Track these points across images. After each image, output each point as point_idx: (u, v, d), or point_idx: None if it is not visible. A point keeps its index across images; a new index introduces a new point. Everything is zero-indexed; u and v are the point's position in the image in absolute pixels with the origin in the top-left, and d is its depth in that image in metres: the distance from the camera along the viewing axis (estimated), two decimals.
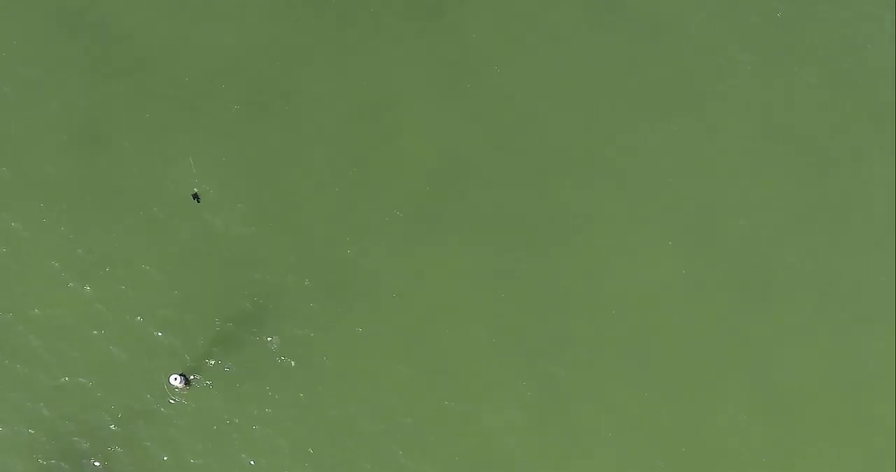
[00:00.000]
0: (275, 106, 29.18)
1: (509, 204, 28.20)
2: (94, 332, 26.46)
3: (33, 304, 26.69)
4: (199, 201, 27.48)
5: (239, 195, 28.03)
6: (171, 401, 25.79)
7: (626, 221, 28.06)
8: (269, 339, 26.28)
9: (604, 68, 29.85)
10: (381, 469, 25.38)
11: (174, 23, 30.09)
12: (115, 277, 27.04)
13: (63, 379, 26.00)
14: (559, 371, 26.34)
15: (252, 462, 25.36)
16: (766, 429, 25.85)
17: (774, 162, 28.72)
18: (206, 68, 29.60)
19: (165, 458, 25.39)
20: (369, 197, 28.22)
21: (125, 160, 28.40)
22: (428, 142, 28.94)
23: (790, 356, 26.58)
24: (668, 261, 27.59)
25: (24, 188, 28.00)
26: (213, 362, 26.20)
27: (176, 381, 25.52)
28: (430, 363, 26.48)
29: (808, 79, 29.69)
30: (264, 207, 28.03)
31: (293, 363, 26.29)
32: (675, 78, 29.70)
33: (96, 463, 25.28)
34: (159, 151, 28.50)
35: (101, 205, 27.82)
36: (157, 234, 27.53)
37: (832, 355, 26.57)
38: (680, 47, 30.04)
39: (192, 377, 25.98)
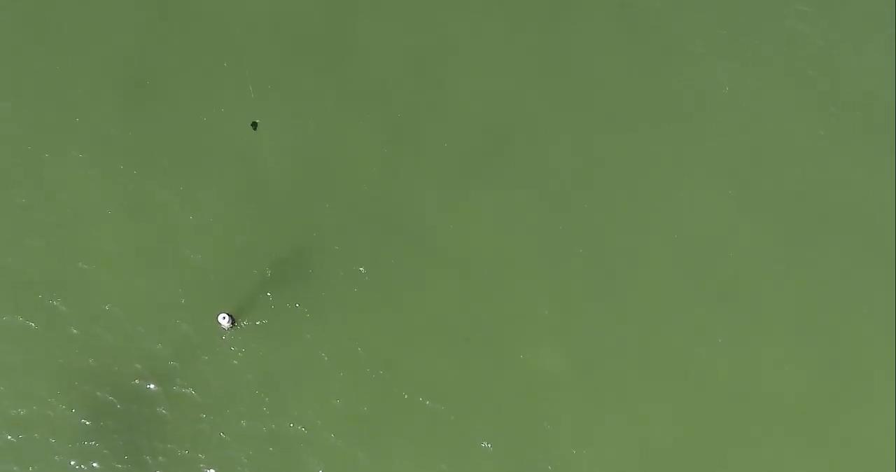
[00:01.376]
0: (323, 56, 29.21)
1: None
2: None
3: (92, 239, 26.83)
4: (255, 129, 27.50)
5: (287, 144, 28.05)
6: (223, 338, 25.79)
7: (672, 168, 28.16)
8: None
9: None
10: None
11: None
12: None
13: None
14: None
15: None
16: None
17: None
18: (253, 17, 29.65)
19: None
20: (418, 146, 28.18)
21: (173, 105, 28.52)
22: (477, 94, 28.95)
23: None
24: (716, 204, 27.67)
25: (74, 131, 28.07)
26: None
27: (224, 320, 25.47)
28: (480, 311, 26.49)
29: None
30: (312, 156, 28.01)
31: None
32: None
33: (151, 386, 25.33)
34: (205, 97, 28.64)
35: (150, 147, 27.94)
36: (206, 178, 27.61)
37: None
38: None
39: (238, 319, 25.92)
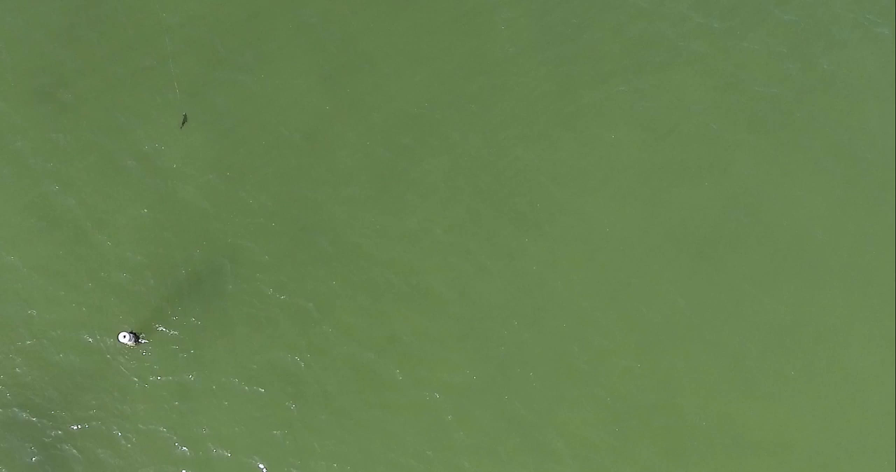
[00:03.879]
0: (245, 67, 28.99)
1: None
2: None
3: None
4: (184, 123, 27.55)
5: (205, 157, 27.89)
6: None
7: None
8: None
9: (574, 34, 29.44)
10: None
11: None
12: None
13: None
14: None
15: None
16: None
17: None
18: (175, 31, 29.41)
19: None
20: (336, 157, 27.92)
21: (90, 116, 28.36)
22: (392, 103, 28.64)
23: None
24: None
25: None
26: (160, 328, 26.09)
27: (125, 338, 25.37)
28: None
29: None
30: (229, 168, 27.82)
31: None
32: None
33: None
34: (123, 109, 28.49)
35: (70, 159, 27.89)
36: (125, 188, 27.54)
37: None
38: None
39: (141, 335, 25.81)
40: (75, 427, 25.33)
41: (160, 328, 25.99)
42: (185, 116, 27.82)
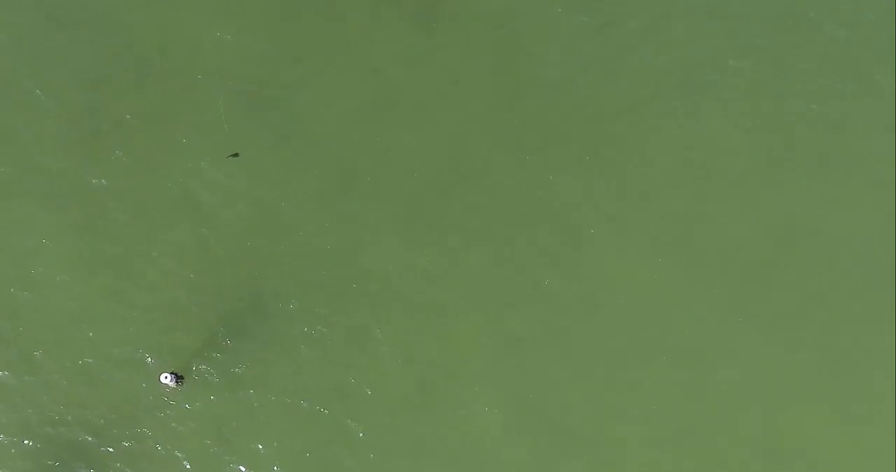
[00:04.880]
0: (272, 104, 29.32)
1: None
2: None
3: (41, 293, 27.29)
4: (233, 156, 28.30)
5: (238, 193, 28.23)
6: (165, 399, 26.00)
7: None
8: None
9: (607, 69, 29.52)
10: None
11: (172, 19, 30.57)
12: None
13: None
14: None
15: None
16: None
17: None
18: (205, 66, 29.81)
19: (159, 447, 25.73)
20: (368, 197, 28.15)
21: (126, 157, 28.81)
22: (425, 142, 28.85)
23: None
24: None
25: (25, 185, 28.53)
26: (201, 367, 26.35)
27: (167, 379, 25.65)
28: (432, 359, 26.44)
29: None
30: (263, 208, 28.11)
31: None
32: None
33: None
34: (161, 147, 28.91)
35: (104, 201, 28.29)
36: (159, 231, 27.88)
37: None
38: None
39: (182, 378, 26.10)
40: (127, 444, 25.60)
41: (216, 355, 26.36)
42: (237, 154, 28.42)
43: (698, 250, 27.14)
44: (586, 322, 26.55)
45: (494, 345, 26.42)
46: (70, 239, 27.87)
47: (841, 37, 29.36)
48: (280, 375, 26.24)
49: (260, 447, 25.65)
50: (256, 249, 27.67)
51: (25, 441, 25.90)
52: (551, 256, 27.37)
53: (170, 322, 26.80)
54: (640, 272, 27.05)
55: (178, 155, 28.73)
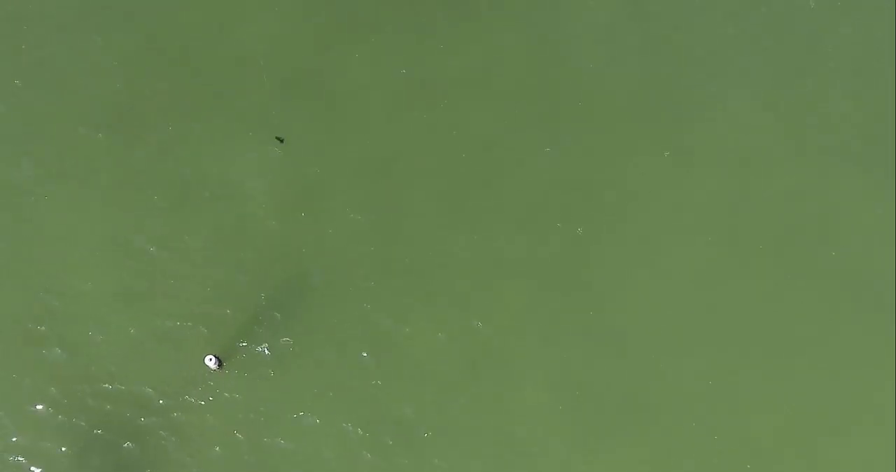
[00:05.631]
0: (310, 94, 29.29)
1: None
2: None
3: (74, 284, 26.93)
4: (282, 141, 28.20)
5: (275, 182, 28.11)
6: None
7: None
8: (284, 339, 26.13)
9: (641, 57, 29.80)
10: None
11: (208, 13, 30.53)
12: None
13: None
14: None
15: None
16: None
17: None
18: (245, 49, 29.79)
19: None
20: (407, 185, 28.17)
21: (162, 145, 28.66)
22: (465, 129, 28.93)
23: None
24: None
25: (64, 165, 28.30)
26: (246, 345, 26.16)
27: (210, 362, 25.48)
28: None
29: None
30: (298, 195, 28.04)
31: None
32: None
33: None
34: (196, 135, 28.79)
35: (142, 189, 28.12)
36: (198, 215, 27.69)
37: None
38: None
39: (224, 362, 25.92)
40: (175, 415, 25.45)
41: (261, 330, 26.22)
42: (282, 140, 28.23)
43: (741, 232, 27.36)
44: (624, 308, 26.69)
45: (536, 330, 26.52)
46: (108, 219, 27.67)
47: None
48: (326, 350, 26.12)
49: (307, 419, 25.46)
50: (297, 229, 27.56)
51: (72, 417, 25.61)
52: (590, 242, 27.50)
53: (214, 298, 26.59)
54: (680, 256, 27.22)
55: (219, 137, 28.64)
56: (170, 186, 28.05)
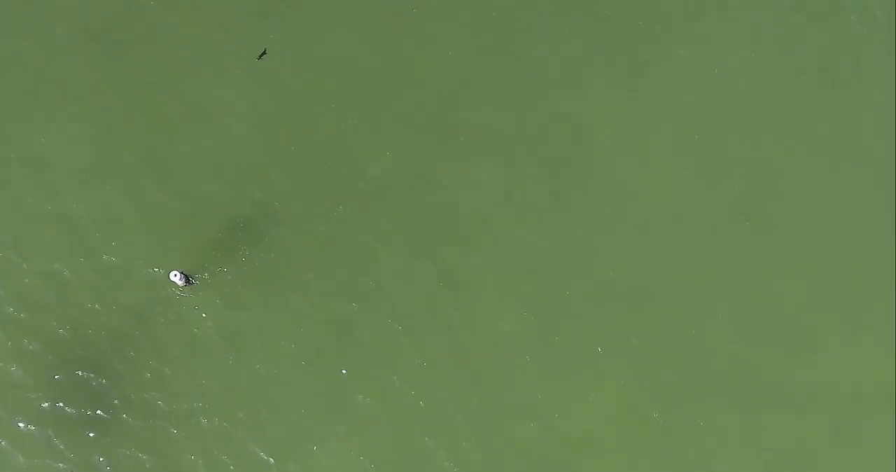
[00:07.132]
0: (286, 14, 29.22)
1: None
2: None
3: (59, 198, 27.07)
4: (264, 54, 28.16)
5: (253, 103, 28.10)
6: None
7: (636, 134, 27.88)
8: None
9: None
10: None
11: None
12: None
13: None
14: None
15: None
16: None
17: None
18: None
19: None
20: (381, 108, 28.12)
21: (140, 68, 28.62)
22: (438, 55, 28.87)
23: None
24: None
25: (42, 89, 28.25)
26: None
27: (176, 278, 25.42)
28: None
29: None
30: (277, 116, 28.01)
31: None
32: None
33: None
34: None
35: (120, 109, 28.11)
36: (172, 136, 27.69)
37: None
38: None
39: (193, 277, 25.86)
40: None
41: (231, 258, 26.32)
42: (265, 51, 28.32)
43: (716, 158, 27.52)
44: (602, 233, 26.81)
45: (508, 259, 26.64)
46: (85, 145, 27.65)
47: None
48: (300, 278, 26.22)
49: (282, 345, 25.59)
50: (271, 155, 27.65)
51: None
52: (564, 170, 27.54)
53: (184, 229, 26.67)
54: (655, 184, 27.30)
55: (196, 67, 28.57)
56: (153, 105, 28.01)
